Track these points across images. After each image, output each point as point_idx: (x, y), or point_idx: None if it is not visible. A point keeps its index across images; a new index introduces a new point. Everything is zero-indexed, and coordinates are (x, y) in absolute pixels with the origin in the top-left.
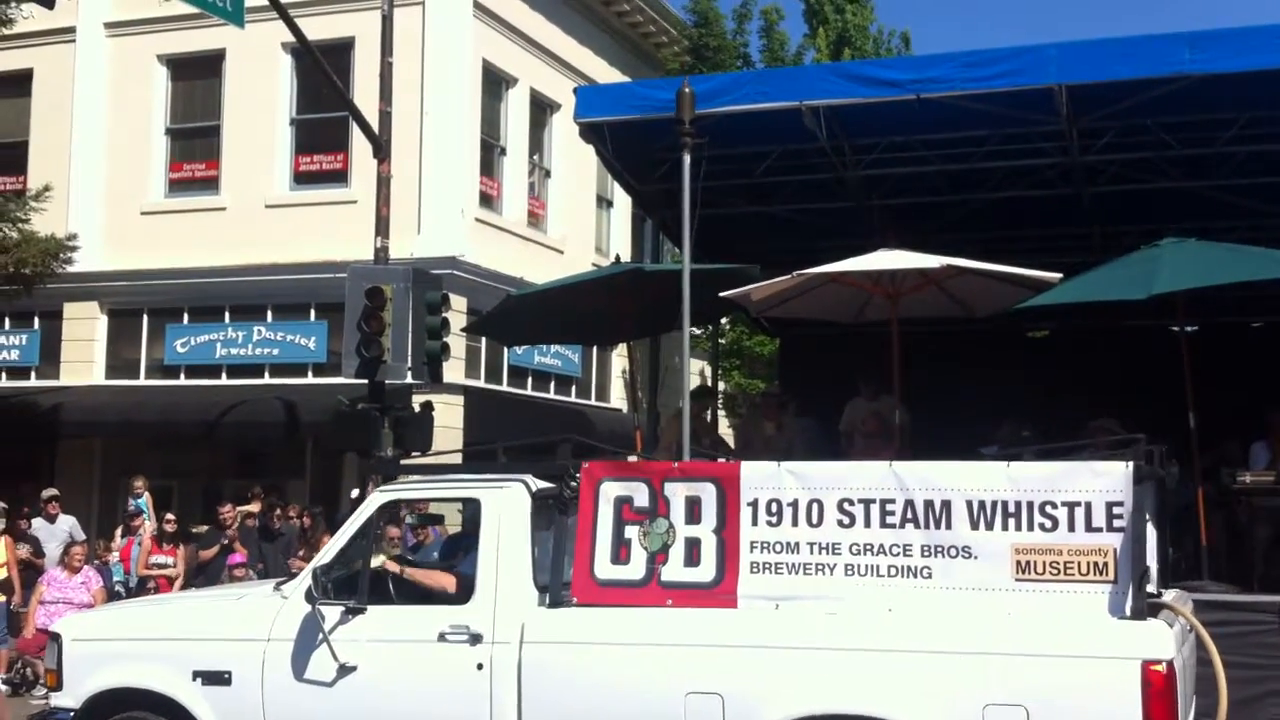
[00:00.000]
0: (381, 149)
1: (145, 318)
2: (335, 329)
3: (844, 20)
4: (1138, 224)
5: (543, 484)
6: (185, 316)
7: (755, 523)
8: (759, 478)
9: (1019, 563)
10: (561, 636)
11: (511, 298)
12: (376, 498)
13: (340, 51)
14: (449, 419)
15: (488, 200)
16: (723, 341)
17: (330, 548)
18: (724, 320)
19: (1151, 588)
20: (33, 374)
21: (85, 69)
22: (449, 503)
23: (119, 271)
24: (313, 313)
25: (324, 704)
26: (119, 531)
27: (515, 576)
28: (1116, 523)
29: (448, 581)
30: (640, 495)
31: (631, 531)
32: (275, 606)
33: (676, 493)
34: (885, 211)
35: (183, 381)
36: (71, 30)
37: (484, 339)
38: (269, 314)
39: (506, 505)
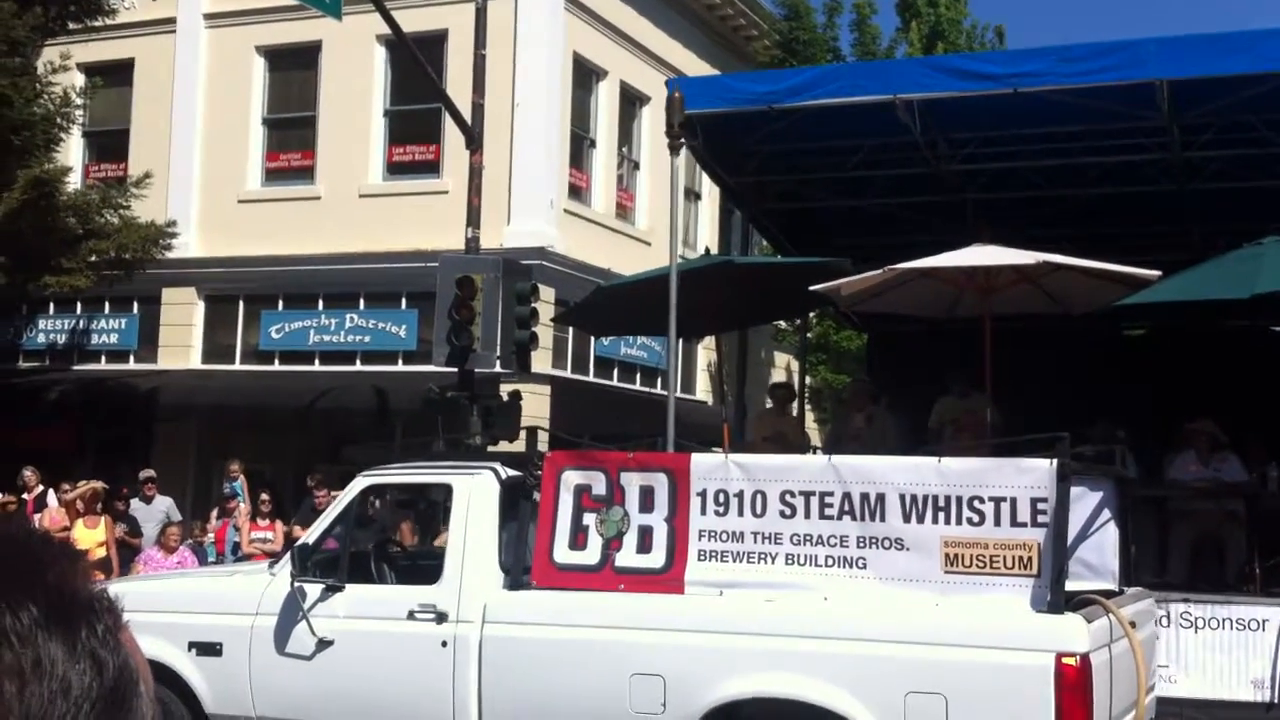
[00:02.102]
0: (474, 140)
1: (241, 304)
2: (426, 317)
3: (937, 14)
4: (1238, 222)
5: (512, 472)
6: (280, 303)
7: (704, 512)
8: (708, 469)
9: (948, 555)
10: (520, 617)
11: (601, 289)
12: (360, 481)
13: (434, 43)
14: (536, 408)
15: (576, 192)
16: (810, 336)
17: (314, 529)
18: (811, 314)
19: (1110, 584)
20: (131, 358)
21: (185, 59)
22: (426, 488)
23: (216, 258)
24: (404, 301)
25: (303, 675)
26: (214, 513)
27: (481, 559)
28: (1040, 518)
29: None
30: (598, 484)
31: (589, 518)
32: (264, 583)
33: (632, 482)
34: (979, 206)
35: (277, 367)
36: (172, 21)
37: (571, 329)
38: (361, 302)
39: (476, 491)
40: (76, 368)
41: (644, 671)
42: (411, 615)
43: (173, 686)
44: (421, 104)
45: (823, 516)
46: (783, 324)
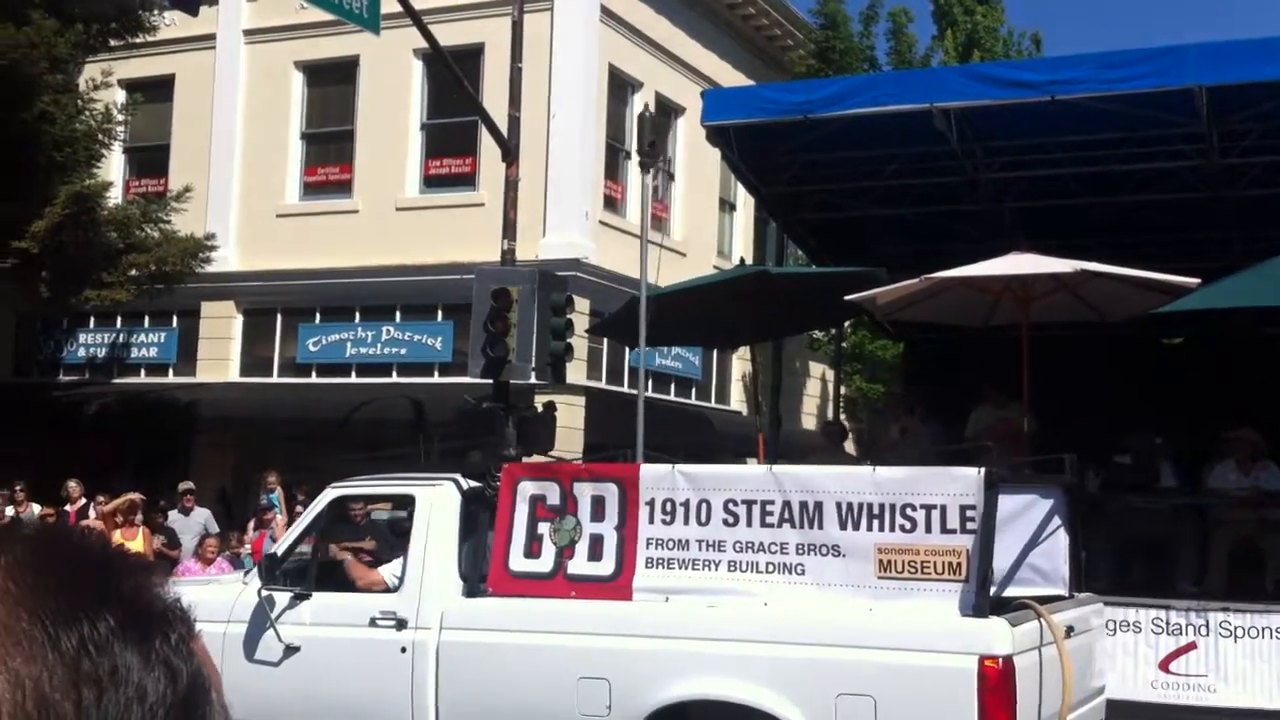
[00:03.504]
0: (510, 153)
1: (279, 317)
2: (461, 329)
3: (973, 22)
4: (1278, 229)
5: (473, 483)
6: (317, 316)
7: (652, 521)
8: (655, 478)
9: (881, 561)
10: (475, 624)
11: (637, 300)
12: (328, 493)
13: (470, 57)
14: (571, 419)
15: (611, 203)
16: (845, 345)
17: (285, 539)
18: (846, 324)
19: (1061, 590)
20: (171, 371)
21: (224, 75)
22: (390, 499)
23: (254, 272)
24: (440, 313)
25: (272, 680)
26: (251, 524)
27: (441, 567)
28: (969, 525)
29: (375, 579)
30: (552, 494)
31: (543, 528)
32: (236, 592)
33: (584, 492)
34: (1016, 214)
35: (314, 380)
36: (212, 37)
37: (606, 340)
38: (398, 314)
39: (437, 501)
40: (116, 381)
41: (591, 675)
42: (373, 622)
43: None
44: (458, 117)
45: (764, 524)
46: (818, 333)
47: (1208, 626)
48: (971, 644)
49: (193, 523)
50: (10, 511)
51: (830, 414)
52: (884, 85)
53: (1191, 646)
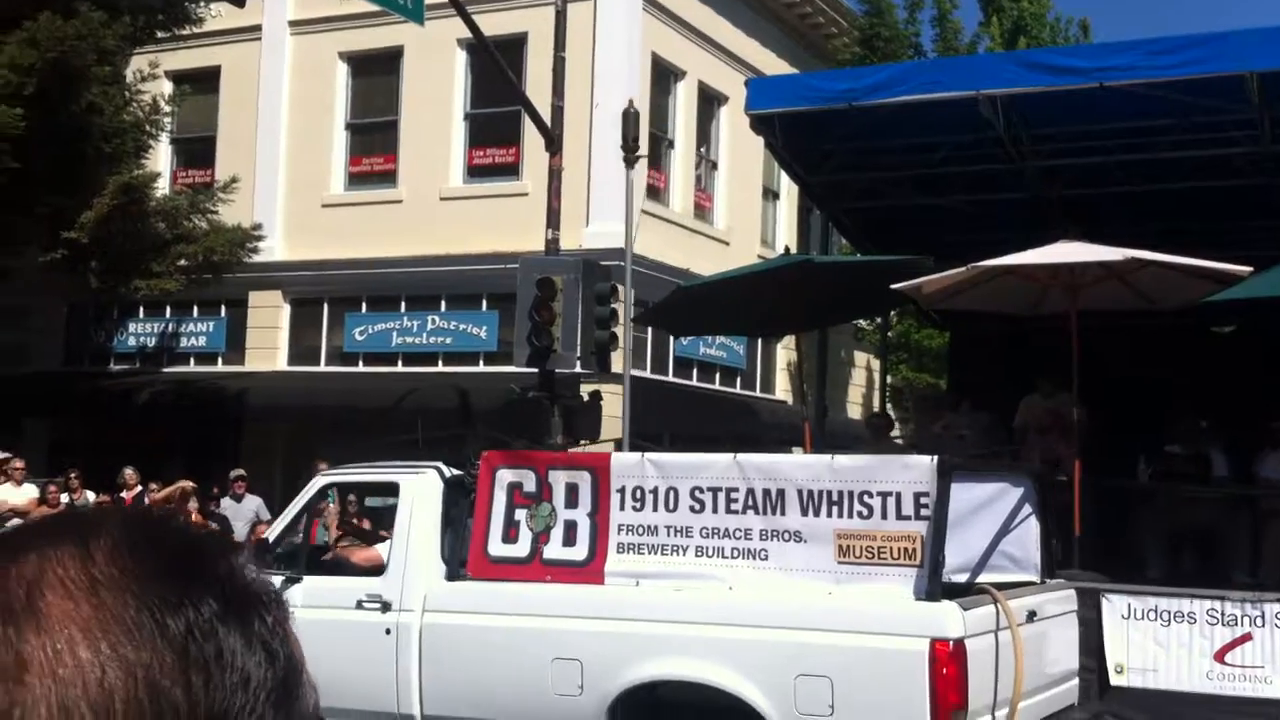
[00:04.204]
0: (554, 143)
1: (325, 306)
2: (506, 318)
3: (1020, 8)
4: None
5: (456, 470)
6: (363, 305)
7: (623, 507)
8: (626, 467)
9: (840, 546)
10: (455, 606)
11: (681, 289)
12: (319, 480)
13: (514, 47)
14: (615, 408)
15: (655, 192)
16: (890, 334)
17: (278, 523)
18: (891, 313)
19: (1033, 576)
20: (219, 360)
21: (270, 66)
22: (378, 485)
23: (301, 261)
24: (484, 302)
25: None
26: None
27: (424, 552)
28: (923, 512)
29: (374, 556)
30: (529, 481)
31: (520, 514)
32: None
33: (559, 480)
34: (1065, 202)
35: (360, 369)
36: (257, 28)
37: (650, 329)
38: (443, 303)
39: (420, 488)
40: (166, 370)
41: (564, 656)
42: (360, 605)
43: None
44: (501, 107)
45: (729, 511)
46: (863, 323)
47: (1263, 617)
48: (923, 627)
49: (245, 509)
50: (65, 499)
51: (876, 404)
52: (930, 72)
53: (1247, 638)
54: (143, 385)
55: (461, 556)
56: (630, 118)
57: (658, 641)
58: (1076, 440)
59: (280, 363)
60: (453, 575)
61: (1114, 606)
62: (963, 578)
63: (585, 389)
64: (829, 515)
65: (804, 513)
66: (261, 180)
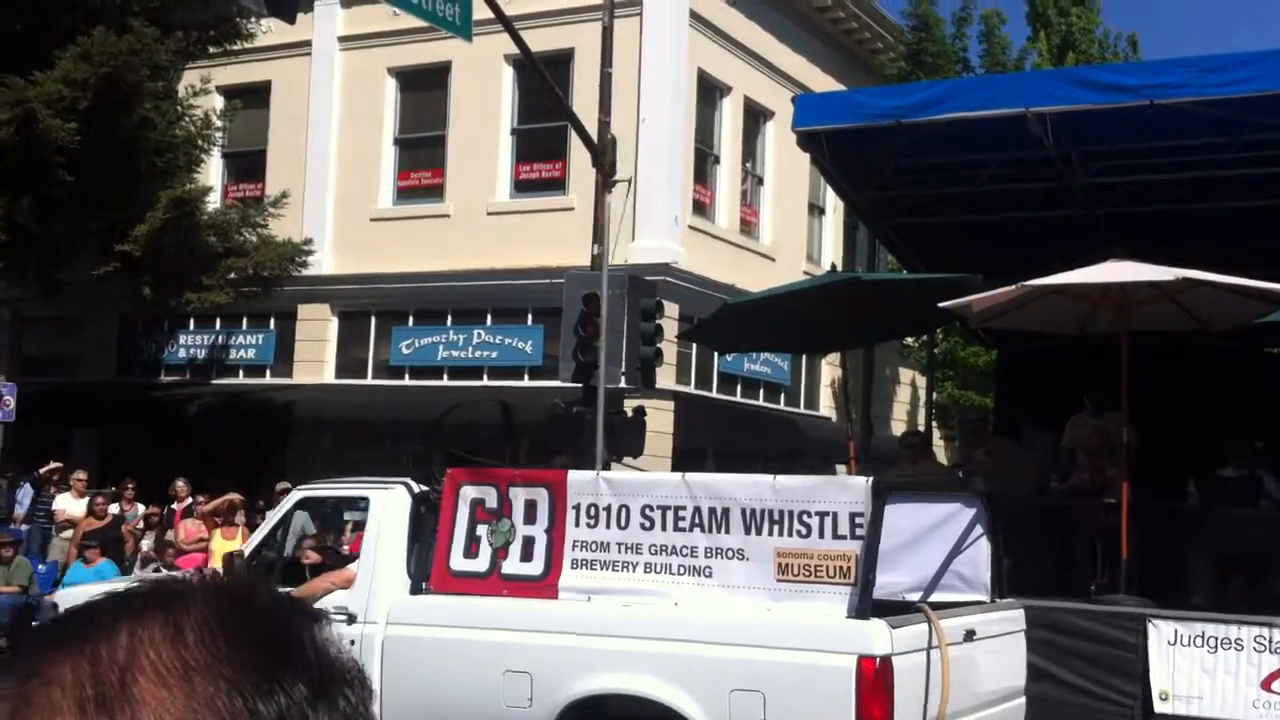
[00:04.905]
0: (600, 158)
1: (373, 320)
2: (551, 333)
3: (1068, 23)
4: None
5: (423, 487)
6: (410, 319)
7: (578, 524)
8: (581, 484)
9: (780, 564)
10: (417, 619)
11: (727, 305)
12: (294, 494)
13: (560, 62)
14: (660, 424)
15: (701, 208)
16: (936, 351)
17: (253, 537)
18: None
19: (982, 596)
20: (268, 372)
21: (320, 81)
22: (349, 500)
23: (349, 275)
24: (530, 317)
25: None
26: (349, 526)
27: (390, 565)
28: (858, 531)
29: (341, 579)
30: (491, 498)
31: (482, 529)
32: None
33: (519, 496)
34: (1114, 221)
35: (407, 382)
36: (308, 44)
37: (694, 344)
38: (488, 317)
39: (389, 503)
40: (215, 382)
41: (515, 669)
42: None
43: None
44: (548, 122)
45: (676, 529)
46: (909, 339)
47: None
48: (852, 644)
49: (291, 523)
50: (115, 509)
51: (921, 421)
52: (978, 89)
53: None
54: (192, 397)
55: (426, 570)
56: (609, 144)
57: (603, 656)
58: (1125, 461)
59: (328, 375)
60: (416, 589)
61: (1160, 632)
62: (916, 596)
63: (629, 404)
64: (770, 534)
65: (747, 531)
66: (311, 194)
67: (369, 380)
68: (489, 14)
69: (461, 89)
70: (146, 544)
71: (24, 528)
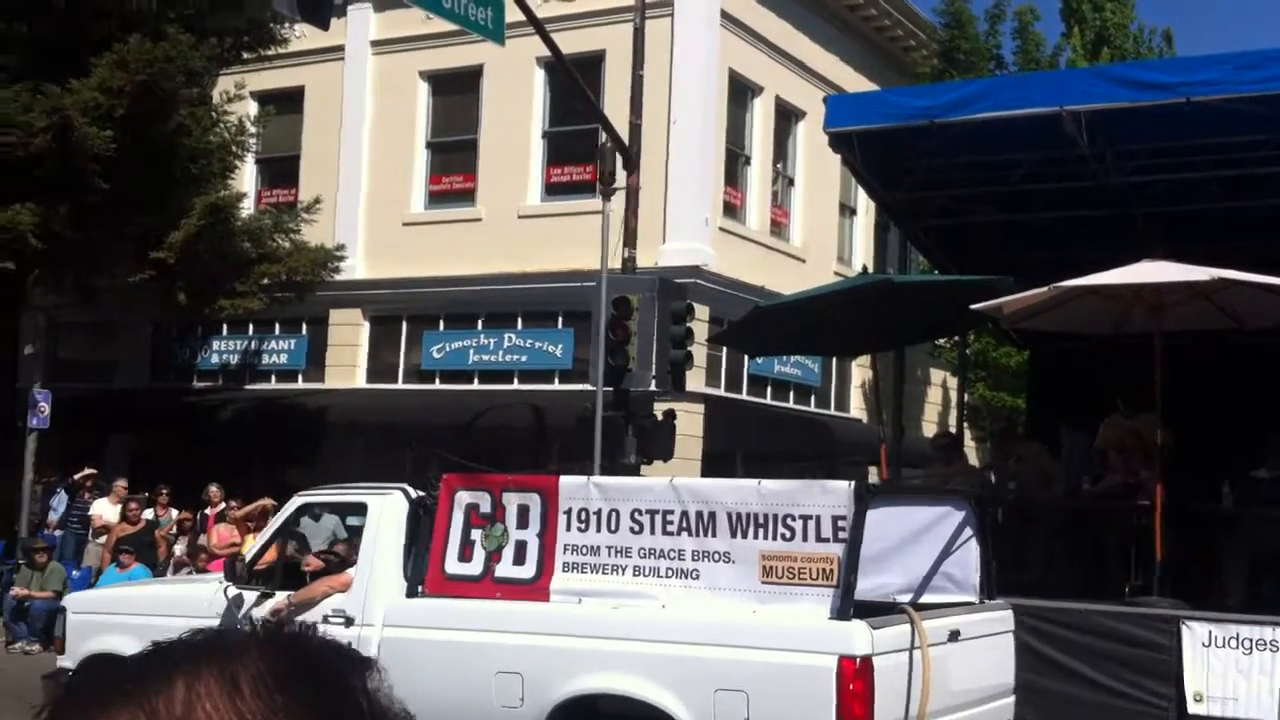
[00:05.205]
0: (632, 162)
1: (404, 324)
2: (582, 337)
3: (1102, 19)
4: None
5: (420, 492)
6: (441, 323)
7: (569, 528)
8: (573, 489)
9: (765, 567)
10: (412, 621)
11: (759, 308)
12: (295, 499)
13: (591, 64)
14: (690, 427)
15: (731, 209)
16: (968, 352)
17: (257, 542)
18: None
19: (971, 597)
20: (300, 377)
21: (352, 86)
22: (348, 505)
23: (381, 280)
24: (560, 321)
25: None
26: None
27: (387, 569)
28: (840, 534)
29: (339, 583)
30: (485, 503)
31: (476, 534)
32: (215, 589)
33: (512, 501)
34: (1149, 220)
35: (438, 386)
36: (340, 49)
37: (724, 347)
38: (519, 321)
39: (386, 508)
40: (248, 387)
41: (506, 670)
42: (326, 619)
43: None
44: (579, 125)
45: (664, 532)
46: (940, 340)
47: None
48: (833, 644)
49: (322, 528)
50: (149, 515)
51: (953, 423)
52: (1011, 88)
53: None
54: (225, 402)
55: (422, 574)
56: (607, 151)
57: (593, 657)
58: (1159, 463)
59: (359, 380)
60: (412, 592)
61: (1194, 634)
62: (906, 598)
63: (659, 407)
64: (755, 537)
65: (733, 534)
66: (343, 199)
67: (400, 385)
68: (520, 17)
69: (493, 92)
70: (179, 549)
71: (58, 533)
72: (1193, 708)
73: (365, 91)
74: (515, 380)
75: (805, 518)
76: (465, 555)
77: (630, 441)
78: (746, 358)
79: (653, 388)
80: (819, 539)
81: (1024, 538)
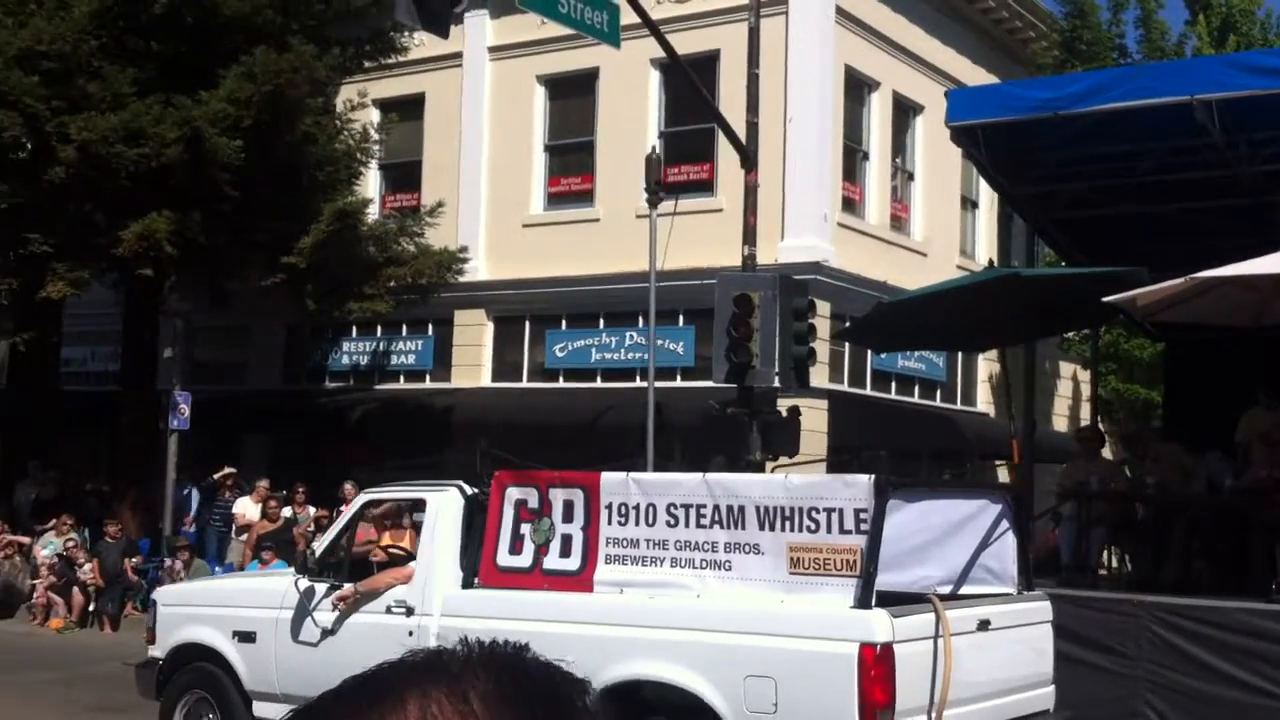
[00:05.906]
0: (749, 160)
1: (527, 324)
2: (702, 334)
3: (1229, 5)
4: None
5: (475, 489)
6: (563, 323)
7: (610, 522)
8: (614, 485)
9: (792, 559)
10: (468, 611)
11: (883, 305)
12: (360, 497)
13: (707, 64)
14: (813, 423)
15: (850, 205)
16: (1099, 344)
17: (326, 536)
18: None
19: (1010, 588)
20: (427, 377)
21: (471, 91)
22: (410, 501)
23: (503, 281)
24: (681, 318)
25: (312, 658)
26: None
27: (444, 562)
28: (863, 526)
29: (401, 575)
30: (533, 498)
31: (525, 528)
32: (288, 582)
33: (558, 497)
34: None
35: (561, 385)
36: (459, 55)
37: (847, 342)
38: (640, 320)
39: (443, 504)
40: (378, 387)
41: (553, 657)
42: (389, 609)
43: (220, 667)
44: (695, 124)
45: (699, 525)
46: (1069, 334)
47: None
48: (854, 632)
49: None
50: (288, 512)
51: (1085, 416)
52: (1138, 78)
53: None
54: (356, 402)
55: (476, 566)
56: (652, 163)
57: (633, 644)
58: None
59: (484, 379)
60: (467, 583)
61: None
62: (946, 589)
63: (783, 404)
64: (783, 529)
65: (761, 527)
66: (465, 202)
67: (524, 383)
68: (636, 19)
69: (609, 94)
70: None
71: (192, 529)
72: None
73: (484, 96)
74: (638, 378)
75: (829, 510)
76: (516, 548)
77: (754, 439)
78: (869, 353)
79: (776, 384)
80: (842, 531)
81: (1163, 535)
